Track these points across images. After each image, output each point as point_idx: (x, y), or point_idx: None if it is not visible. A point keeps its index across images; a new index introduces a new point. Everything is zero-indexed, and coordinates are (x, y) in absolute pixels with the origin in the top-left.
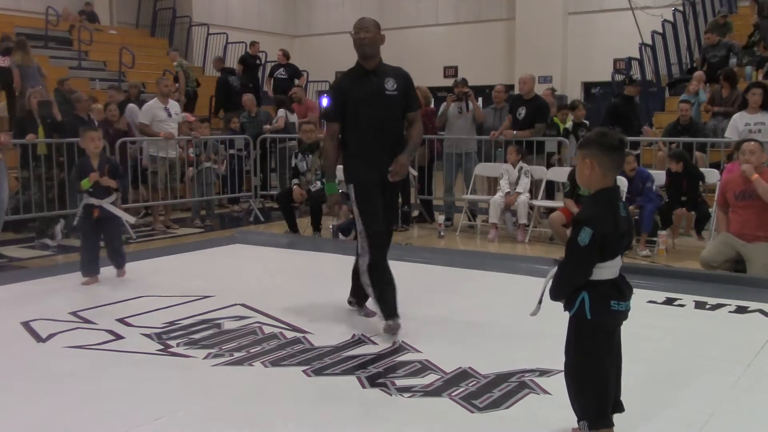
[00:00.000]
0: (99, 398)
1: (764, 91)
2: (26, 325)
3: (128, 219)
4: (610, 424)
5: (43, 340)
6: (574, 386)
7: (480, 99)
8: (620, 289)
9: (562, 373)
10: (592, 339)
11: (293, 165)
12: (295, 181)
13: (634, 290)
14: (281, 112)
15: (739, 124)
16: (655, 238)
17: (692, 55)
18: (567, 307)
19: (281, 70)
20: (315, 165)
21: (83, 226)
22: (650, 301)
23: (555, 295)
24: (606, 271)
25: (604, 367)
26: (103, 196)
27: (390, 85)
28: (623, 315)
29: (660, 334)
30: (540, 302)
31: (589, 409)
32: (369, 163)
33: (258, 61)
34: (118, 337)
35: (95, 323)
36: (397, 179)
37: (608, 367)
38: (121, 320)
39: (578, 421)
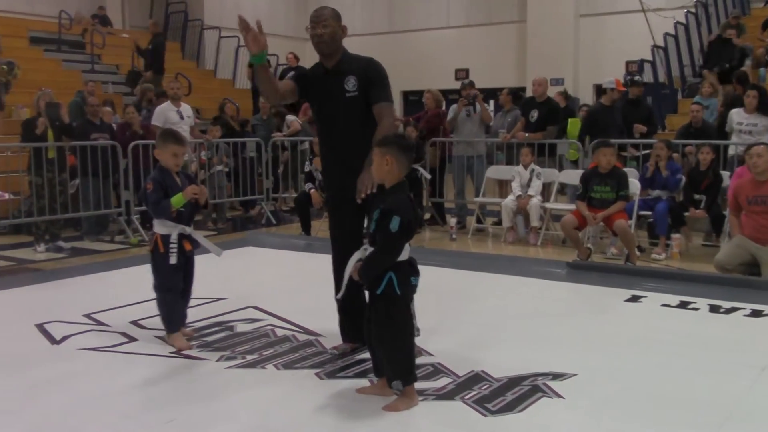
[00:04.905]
0: (111, 400)
1: (760, 94)
2: (40, 327)
3: (216, 252)
4: (416, 379)
5: (57, 342)
6: (389, 354)
7: (491, 102)
8: (414, 267)
9: (576, 377)
10: (401, 311)
11: (307, 170)
12: (310, 185)
13: (648, 294)
14: (291, 117)
15: (734, 119)
16: (668, 242)
17: (705, 56)
18: (372, 287)
19: (291, 73)
20: None
21: (175, 266)
22: (664, 305)
23: (367, 278)
24: (405, 252)
25: (410, 334)
26: (190, 222)
27: (351, 84)
28: (416, 288)
29: (674, 337)
30: (346, 286)
31: (403, 371)
32: (329, 174)
33: (268, 64)
34: (132, 339)
35: (109, 325)
36: (364, 196)
37: (412, 334)
38: (134, 322)
39: (391, 382)
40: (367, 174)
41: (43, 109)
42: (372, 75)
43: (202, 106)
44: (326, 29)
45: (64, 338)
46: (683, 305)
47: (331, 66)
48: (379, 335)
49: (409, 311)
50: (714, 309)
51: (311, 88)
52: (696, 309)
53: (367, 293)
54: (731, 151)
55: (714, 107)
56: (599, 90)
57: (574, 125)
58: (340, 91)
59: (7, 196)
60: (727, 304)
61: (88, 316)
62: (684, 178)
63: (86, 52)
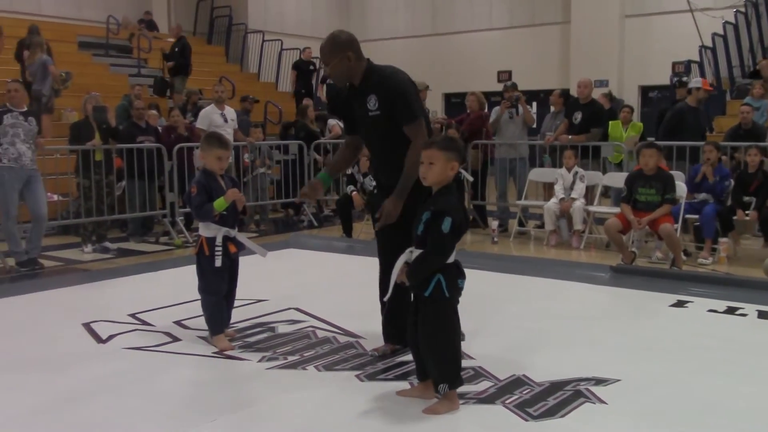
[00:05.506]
0: (155, 399)
1: None
2: (87, 326)
3: (261, 253)
4: (462, 383)
5: (103, 341)
6: (436, 357)
7: (534, 104)
8: (461, 269)
9: (619, 383)
10: (448, 314)
11: (348, 173)
12: (351, 188)
13: (694, 299)
14: (332, 121)
15: None
16: (715, 246)
17: (755, 57)
18: (420, 290)
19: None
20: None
21: (220, 269)
22: (711, 310)
23: (416, 279)
24: (453, 254)
25: (458, 337)
26: (235, 225)
27: (372, 103)
28: (462, 291)
29: (720, 344)
30: (392, 287)
31: (450, 373)
32: (374, 177)
33: (311, 67)
34: (175, 339)
35: (153, 325)
36: (382, 226)
37: (459, 337)
38: (178, 322)
39: (437, 385)
40: (392, 205)
41: (90, 112)
42: (390, 93)
43: (245, 109)
44: (328, 66)
45: (110, 337)
46: (731, 311)
47: (356, 85)
48: (426, 338)
49: (456, 314)
50: (763, 315)
51: (350, 106)
52: (744, 315)
53: (412, 295)
54: None
55: (765, 108)
56: (644, 91)
57: (615, 127)
58: (365, 110)
59: (55, 197)
60: None
61: (133, 315)
62: (732, 183)
63: (133, 57)
